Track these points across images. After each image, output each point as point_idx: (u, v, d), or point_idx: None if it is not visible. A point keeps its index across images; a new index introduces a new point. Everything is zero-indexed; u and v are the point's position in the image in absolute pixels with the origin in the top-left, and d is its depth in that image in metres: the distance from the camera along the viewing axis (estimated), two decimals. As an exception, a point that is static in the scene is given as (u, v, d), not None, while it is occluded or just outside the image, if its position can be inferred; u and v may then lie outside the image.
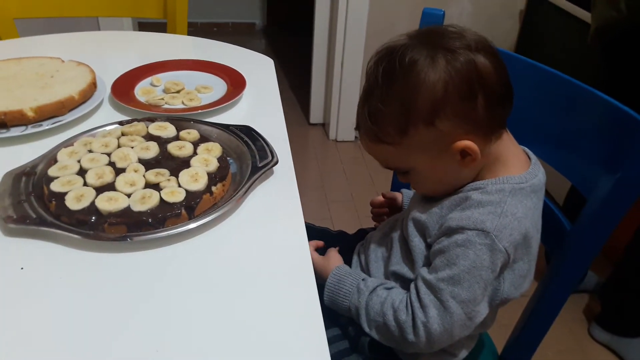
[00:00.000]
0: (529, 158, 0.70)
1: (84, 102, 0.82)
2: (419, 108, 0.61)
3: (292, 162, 0.75)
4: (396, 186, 0.99)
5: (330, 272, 0.74)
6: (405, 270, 0.71)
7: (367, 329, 0.69)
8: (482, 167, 0.66)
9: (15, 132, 0.74)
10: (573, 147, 0.75)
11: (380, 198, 0.92)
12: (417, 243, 0.70)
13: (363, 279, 0.72)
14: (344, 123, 2.41)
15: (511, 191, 0.64)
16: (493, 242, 0.61)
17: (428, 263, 0.68)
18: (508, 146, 0.67)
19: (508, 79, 0.64)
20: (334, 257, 0.79)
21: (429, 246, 0.68)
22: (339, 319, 0.75)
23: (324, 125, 2.57)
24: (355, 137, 2.44)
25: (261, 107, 0.90)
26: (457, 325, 0.63)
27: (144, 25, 1.57)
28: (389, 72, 0.63)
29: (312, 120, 2.58)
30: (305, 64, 2.56)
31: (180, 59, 1.00)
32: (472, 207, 0.64)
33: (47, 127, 0.76)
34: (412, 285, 0.66)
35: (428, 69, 0.60)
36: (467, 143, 0.62)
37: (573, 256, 0.72)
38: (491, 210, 0.62)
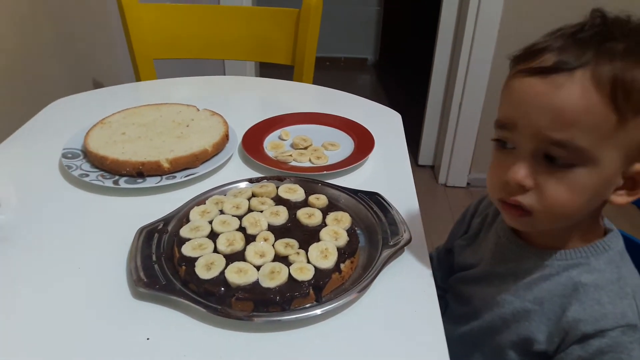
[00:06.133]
0: None
1: (216, 154, 0.82)
2: None
3: (424, 237, 0.69)
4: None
5: None
6: None
7: None
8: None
9: (150, 182, 0.76)
10: None
11: None
12: (513, 358, 0.60)
13: None
14: (456, 167, 2.30)
15: (621, 257, 0.55)
16: None
17: None
18: None
19: None
20: None
21: (530, 353, 0.58)
22: None
23: (433, 168, 2.47)
24: (468, 183, 2.32)
25: (389, 169, 0.86)
26: None
27: (265, 65, 1.60)
28: None
29: (421, 161, 2.49)
30: (416, 101, 2.50)
31: (309, 112, 0.99)
32: (592, 295, 0.53)
33: (180, 180, 0.76)
34: None
35: None
36: None
37: None
38: (618, 292, 0.53)
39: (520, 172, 0.51)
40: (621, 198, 0.53)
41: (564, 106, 0.48)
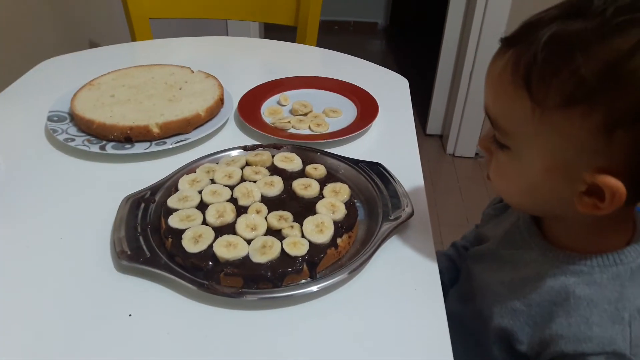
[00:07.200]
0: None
1: (210, 120, 0.78)
2: (624, 95, 0.39)
3: (427, 211, 0.65)
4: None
5: None
6: None
7: None
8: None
9: (139, 148, 0.72)
10: None
11: None
12: (496, 354, 0.56)
13: None
14: (465, 137, 2.24)
15: (632, 274, 0.48)
16: None
17: None
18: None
19: None
20: None
21: (513, 353, 0.54)
22: None
23: (442, 138, 2.42)
24: (476, 153, 2.26)
25: (393, 137, 0.81)
26: None
27: (270, 27, 1.53)
28: (625, 10, 0.39)
29: (429, 130, 2.43)
30: (427, 68, 2.42)
31: (310, 76, 0.93)
32: (582, 311, 0.48)
33: (170, 146, 0.72)
34: None
35: None
36: (615, 185, 0.41)
37: None
38: (612, 315, 0.47)
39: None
40: (586, 208, 0.45)
41: (488, 83, 0.48)
